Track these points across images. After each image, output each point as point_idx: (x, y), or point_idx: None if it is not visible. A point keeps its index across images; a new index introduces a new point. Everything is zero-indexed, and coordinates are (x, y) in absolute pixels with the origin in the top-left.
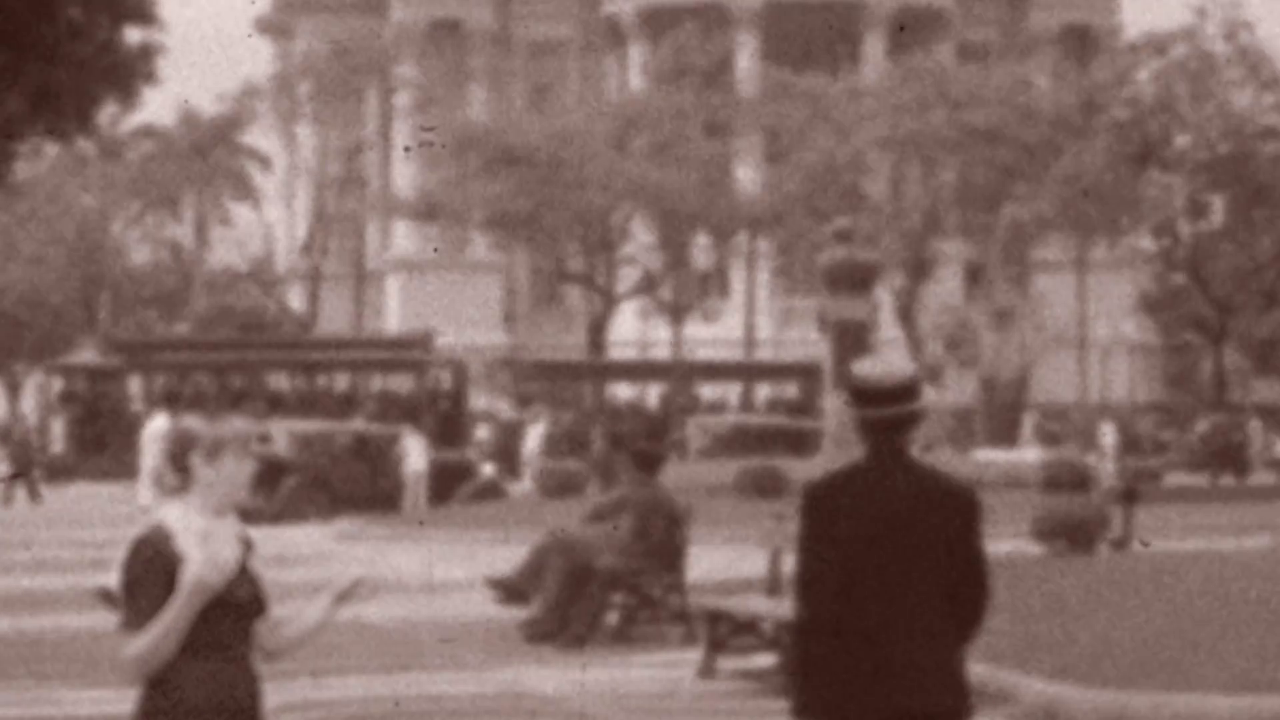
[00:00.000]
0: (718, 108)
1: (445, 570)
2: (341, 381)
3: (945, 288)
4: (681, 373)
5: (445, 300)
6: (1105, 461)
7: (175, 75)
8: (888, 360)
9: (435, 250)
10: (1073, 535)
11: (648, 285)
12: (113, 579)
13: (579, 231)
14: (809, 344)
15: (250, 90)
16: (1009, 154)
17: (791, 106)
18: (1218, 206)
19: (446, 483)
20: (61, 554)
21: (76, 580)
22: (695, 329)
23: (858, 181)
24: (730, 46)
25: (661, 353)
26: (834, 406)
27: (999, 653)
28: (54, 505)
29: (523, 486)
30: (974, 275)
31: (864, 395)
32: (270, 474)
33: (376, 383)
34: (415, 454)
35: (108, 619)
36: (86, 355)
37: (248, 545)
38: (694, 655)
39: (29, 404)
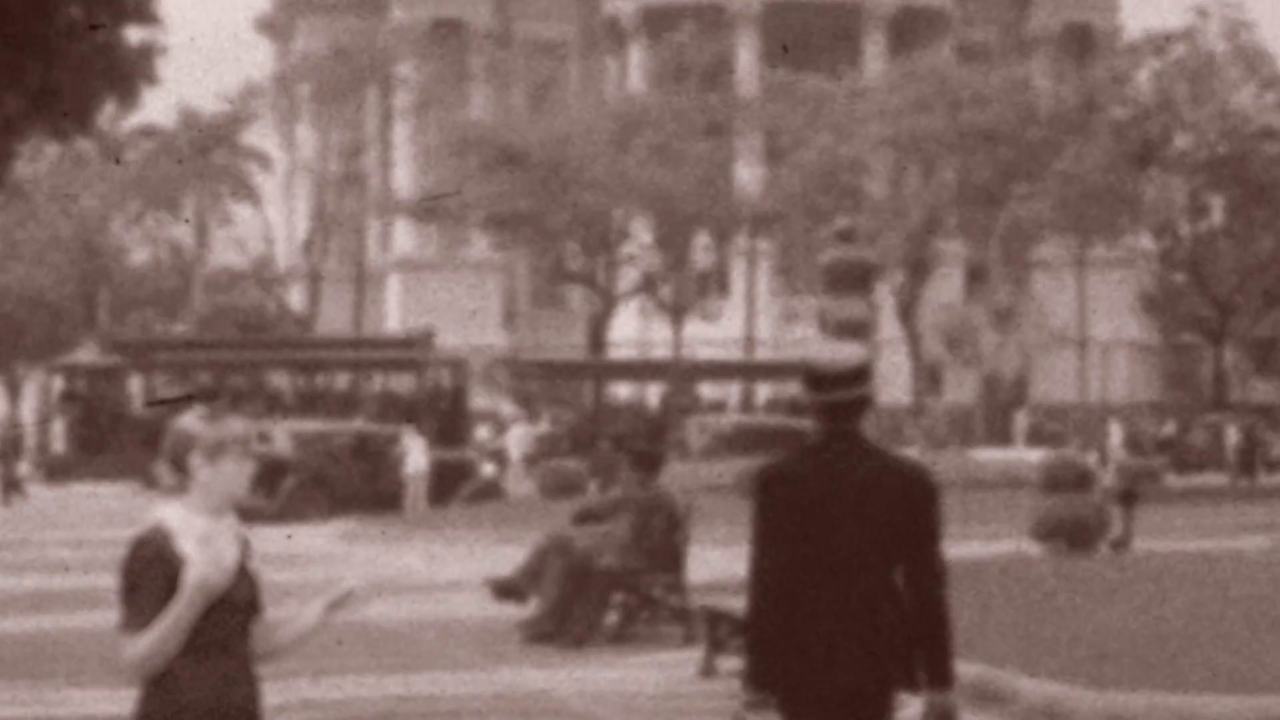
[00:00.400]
0: (718, 108)
1: (445, 570)
2: (341, 381)
3: (945, 288)
4: (681, 373)
5: (445, 300)
6: (1111, 461)
7: (175, 75)
8: (838, 346)
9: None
10: (1073, 535)
11: (648, 285)
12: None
13: (579, 231)
14: (809, 344)
15: (250, 90)
16: (1009, 154)
17: (791, 106)
18: (1218, 206)
19: (446, 483)
20: (61, 554)
21: (76, 580)
22: (695, 329)
23: (858, 181)
24: (730, 46)
25: (661, 353)
26: None
27: (999, 653)
28: (54, 505)
29: (511, 488)
30: (974, 275)
31: (816, 380)
32: (270, 474)
33: (376, 383)
34: (415, 454)
35: (108, 619)
36: (86, 355)
37: (246, 545)
38: (694, 655)
39: (28, 404)
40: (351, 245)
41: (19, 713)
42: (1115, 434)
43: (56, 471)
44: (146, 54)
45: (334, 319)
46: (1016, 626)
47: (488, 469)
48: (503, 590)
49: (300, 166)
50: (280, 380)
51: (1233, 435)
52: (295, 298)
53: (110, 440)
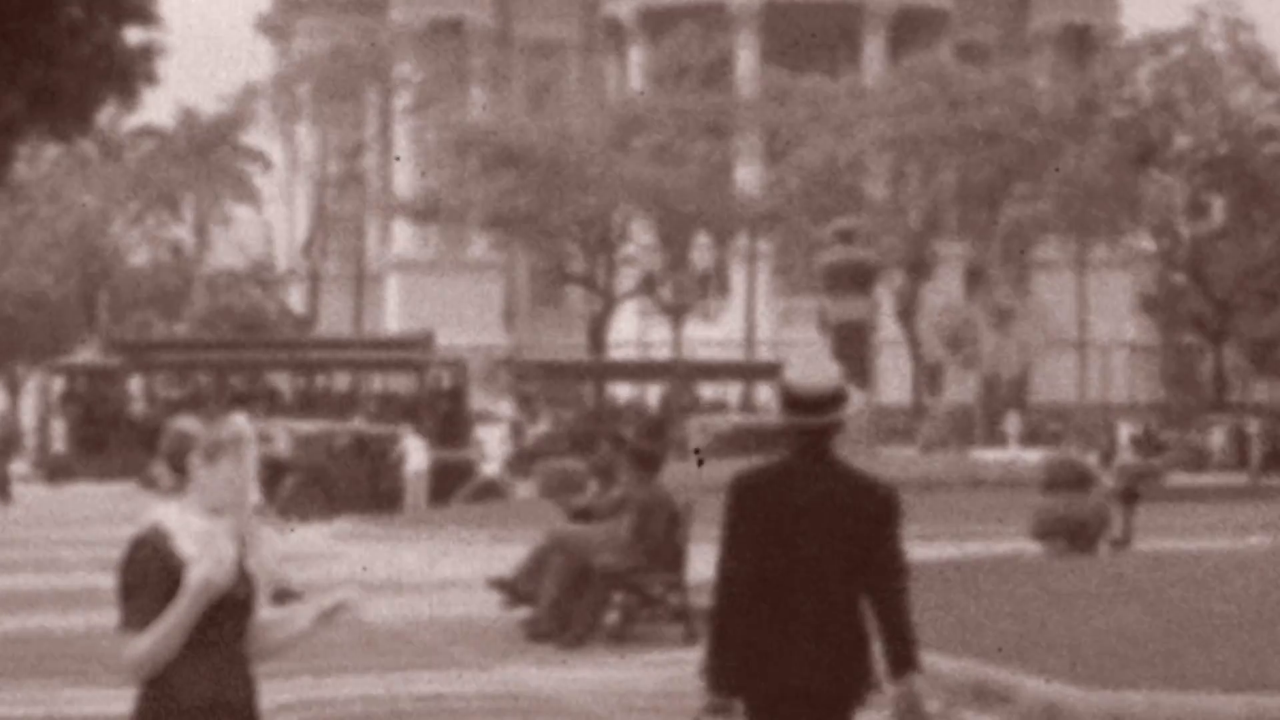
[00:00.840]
0: (718, 108)
1: (445, 570)
2: (341, 381)
3: (945, 288)
4: (681, 373)
5: (445, 300)
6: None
7: (175, 75)
8: (816, 369)
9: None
10: (1073, 535)
11: (648, 285)
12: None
13: (579, 232)
14: (809, 344)
15: (250, 90)
16: (1009, 154)
17: (791, 106)
18: (1218, 206)
19: (446, 483)
20: (61, 554)
21: (76, 580)
22: (695, 329)
23: (858, 181)
24: (730, 46)
25: (661, 353)
26: None
27: (999, 653)
28: (54, 505)
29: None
30: (974, 275)
31: (793, 403)
32: (270, 474)
33: (376, 383)
34: (415, 454)
35: (108, 619)
36: (86, 355)
37: (244, 543)
38: (694, 654)
39: (28, 404)
40: (351, 245)
41: (19, 713)
42: (1124, 433)
43: (56, 471)
44: (146, 54)
45: (334, 319)
46: (1016, 626)
47: (488, 469)
48: (503, 590)
49: (300, 166)
50: (280, 380)
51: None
52: (295, 298)
53: (110, 440)
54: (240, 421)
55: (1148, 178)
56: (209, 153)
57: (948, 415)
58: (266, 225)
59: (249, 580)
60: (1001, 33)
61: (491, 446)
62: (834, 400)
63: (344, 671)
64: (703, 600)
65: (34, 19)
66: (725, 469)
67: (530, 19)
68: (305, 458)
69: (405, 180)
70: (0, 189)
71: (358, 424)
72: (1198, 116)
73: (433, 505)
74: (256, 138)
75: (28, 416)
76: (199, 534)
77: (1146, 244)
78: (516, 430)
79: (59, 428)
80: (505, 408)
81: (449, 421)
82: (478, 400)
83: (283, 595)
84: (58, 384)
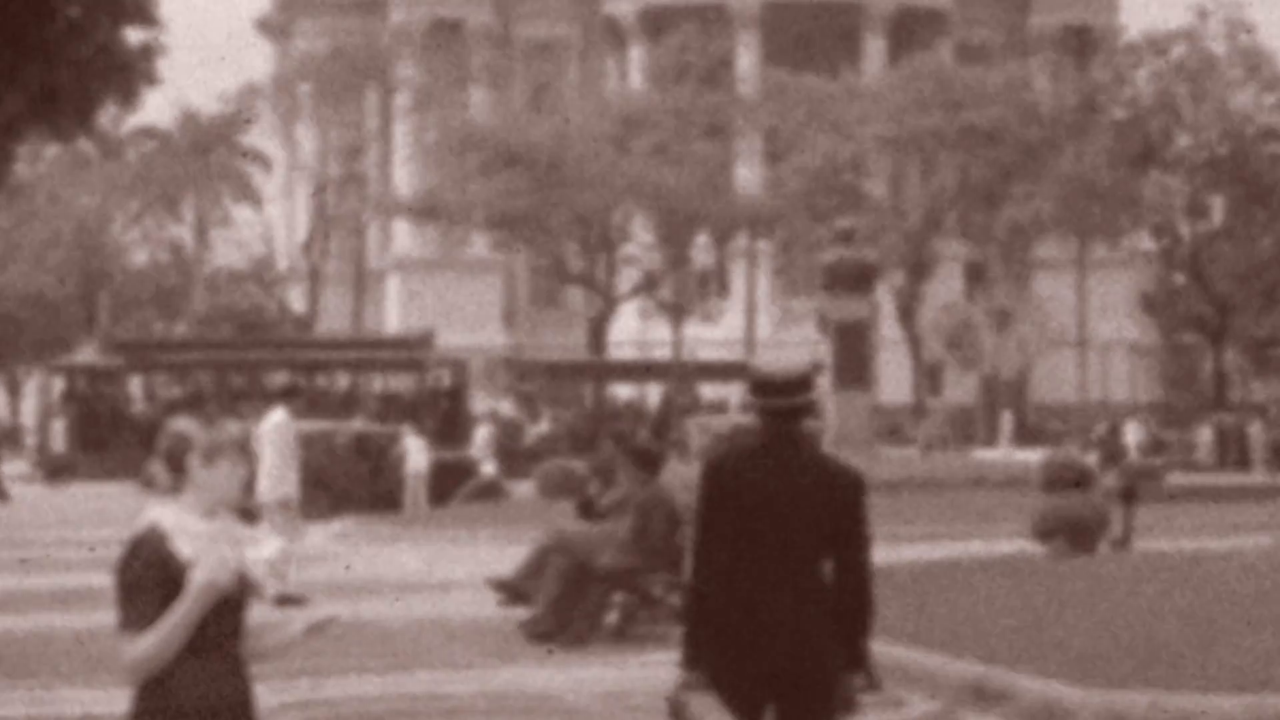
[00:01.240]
0: (718, 108)
1: (445, 570)
2: (341, 381)
3: (945, 288)
4: (681, 373)
5: (445, 300)
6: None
7: (175, 75)
8: (785, 355)
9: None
10: (1073, 535)
11: (648, 285)
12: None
13: (579, 231)
14: (809, 344)
15: (250, 90)
16: (1009, 154)
17: (791, 106)
18: (1218, 206)
19: (446, 483)
20: (61, 554)
21: (77, 580)
22: (695, 329)
23: (858, 181)
24: (730, 46)
25: (661, 353)
26: (834, 406)
27: (999, 653)
28: (54, 505)
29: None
30: (974, 275)
31: (762, 387)
32: None
33: (376, 383)
34: (415, 454)
35: (108, 619)
36: (86, 355)
37: (239, 544)
38: None
39: (28, 404)
40: (351, 245)
41: (19, 713)
42: (1131, 433)
43: (56, 471)
44: (146, 54)
45: (334, 319)
46: (1016, 626)
47: (488, 469)
48: (504, 590)
49: (300, 167)
50: (280, 380)
51: (1258, 433)
52: (295, 298)
53: (110, 440)
54: (238, 425)
55: (1148, 178)
56: (209, 153)
57: (948, 415)
58: (266, 225)
59: (244, 581)
60: (1001, 33)
61: (478, 447)
62: (801, 383)
63: (344, 671)
64: None
65: (34, 19)
66: None
67: (530, 19)
68: (305, 458)
69: (405, 180)
70: (0, 189)
71: (358, 424)
72: (1198, 116)
73: (433, 505)
74: (256, 138)
75: (28, 416)
76: (197, 535)
77: (1146, 244)
78: (513, 430)
79: (59, 427)
80: (504, 406)
81: (449, 421)
82: (478, 401)
83: (285, 600)
84: (58, 384)
